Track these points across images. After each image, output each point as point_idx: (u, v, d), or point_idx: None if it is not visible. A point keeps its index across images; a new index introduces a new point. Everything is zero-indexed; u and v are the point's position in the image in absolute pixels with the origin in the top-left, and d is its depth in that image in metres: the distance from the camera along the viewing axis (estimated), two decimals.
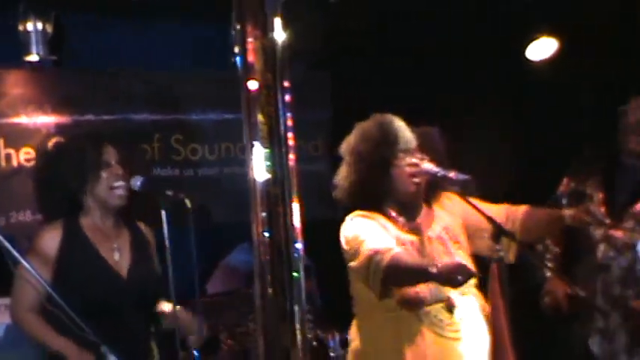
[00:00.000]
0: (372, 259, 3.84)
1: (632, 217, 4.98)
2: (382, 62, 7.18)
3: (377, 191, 4.09)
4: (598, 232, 5.00)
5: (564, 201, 5.19)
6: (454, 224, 4.19)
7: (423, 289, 3.91)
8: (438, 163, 4.08)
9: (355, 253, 3.95)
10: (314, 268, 6.30)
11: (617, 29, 7.19)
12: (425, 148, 4.15)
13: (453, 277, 3.62)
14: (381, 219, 4.06)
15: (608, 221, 5.01)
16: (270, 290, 2.48)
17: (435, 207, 4.23)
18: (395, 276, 3.81)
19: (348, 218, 4.08)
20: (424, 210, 4.19)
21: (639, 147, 5.06)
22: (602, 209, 5.04)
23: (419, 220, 4.16)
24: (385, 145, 4.04)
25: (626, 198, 5.06)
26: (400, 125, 4.11)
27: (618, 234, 4.96)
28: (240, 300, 6.17)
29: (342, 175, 4.13)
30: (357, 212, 4.09)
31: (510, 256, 3.82)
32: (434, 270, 3.64)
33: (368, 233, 3.95)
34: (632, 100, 5.14)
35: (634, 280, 4.95)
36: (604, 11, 7.02)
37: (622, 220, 5.00)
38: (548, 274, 4.94)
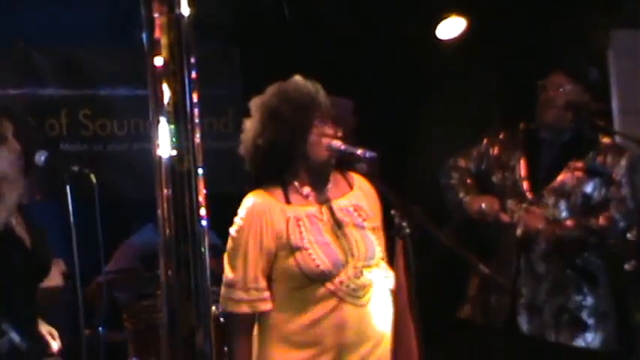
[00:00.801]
0: (225, 293, 4.02)
1: (552, 193, 5.04)
2: (292, 38, 7.17)
3: (290, 154, 4.02)
4: (519, 209, 5.06)
5: (483, 164, 5.27)
6: (369, 207, 4.18)
7: (326, 263, 3.93)
8: (345, 137, 4.07)
9: (228, 260, 4.05)
10: (222, 248, 6.28)
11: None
12: (336, 119, 4.15)
13: None
14: (275, 204, 4.03)
15: (530, 196, 5.07)
16: (175, 267, 2.47)
17: (357, 187, 4.21)
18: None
19: (246, 198, 4.06)
20: (336, 180, 4.18)
21: (558, 121, 5.11)
22: (525, 184, 5.10)
23: (327, 189, 4.15)
24: (307, 109, 3.97)
25: (546, 173, 5.11)
26: (320, 91, 4.07)
27: (539, 211, 5.02)
28: (136, 280, 6.16)
29: (253, 133, 4.05)
30: (257, 193, 4.06)
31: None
32: None
33: (242, 254, 4.00)
34: (552, 74, 5.18)
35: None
36: None
37: (543, 195, 5.06)
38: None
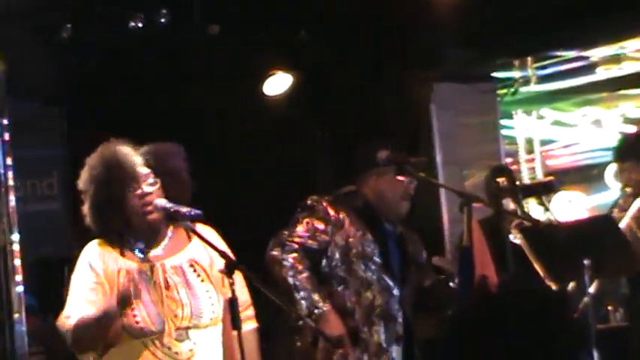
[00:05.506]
0: (63, 324, 3.90)
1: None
2: (116, 95, 7.13)
3: (113, 227, 4.06)
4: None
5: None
6: (206, 259, 4.16)
7: (146, 321, 3.91)
8: (175, 182, 4.06)
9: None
10: (37, 307, 6.18)
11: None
12: (159, 167, 4.13)
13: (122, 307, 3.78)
14: (110, 252, 4.03)
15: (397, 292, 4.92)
16: None
17: (196, 238, 4.18)
18: (80, 337, 3.89)
19: (88, 245, 4.04)
20: (174, 234, 4.16)
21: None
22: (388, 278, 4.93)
23: (162, 247, 4.13)
24: (112, 184, 4.00)
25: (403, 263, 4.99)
26: (125, 155, 4.07)
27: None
28: None
29: (86, 211, 4.09)
30: (96, 240, 4.05)
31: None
32: (112, 309, 3.79)
33: (77, 287, 3.96)
34: None
35: None
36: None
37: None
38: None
